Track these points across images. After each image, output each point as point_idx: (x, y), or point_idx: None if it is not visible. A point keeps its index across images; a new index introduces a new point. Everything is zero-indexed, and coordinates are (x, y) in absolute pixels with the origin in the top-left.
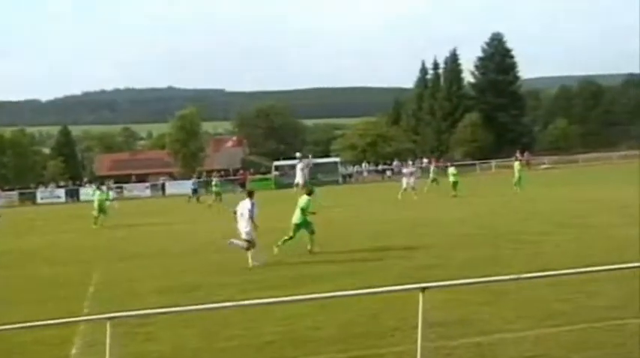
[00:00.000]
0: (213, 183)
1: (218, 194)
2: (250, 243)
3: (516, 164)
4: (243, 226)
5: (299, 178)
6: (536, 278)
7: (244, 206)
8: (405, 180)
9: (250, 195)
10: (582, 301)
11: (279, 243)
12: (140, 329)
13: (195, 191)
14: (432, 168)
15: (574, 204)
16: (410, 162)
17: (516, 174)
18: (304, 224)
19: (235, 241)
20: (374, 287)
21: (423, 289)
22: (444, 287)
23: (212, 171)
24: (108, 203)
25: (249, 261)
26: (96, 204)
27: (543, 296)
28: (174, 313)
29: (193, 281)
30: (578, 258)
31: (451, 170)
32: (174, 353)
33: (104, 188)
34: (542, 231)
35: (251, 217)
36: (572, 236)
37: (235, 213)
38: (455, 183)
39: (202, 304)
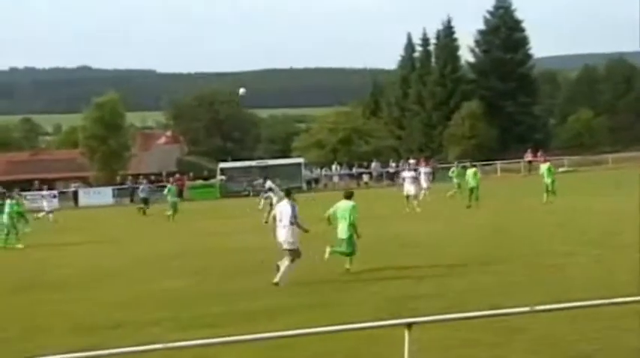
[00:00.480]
0: (166, 190)
1: (174, 206)
2: (295, 253)
3: (543, 166)
4: (284, 235)
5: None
6: (555, 311)
7: (283, 210)
8: (408, 187)
9: (288, 195)
10: (613, 340)
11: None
12: None
13: (145, 200)
14: (453, 168)
15: (602, 217)
16: (411, 161)
17: (546, 179)
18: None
19: (280, 265)
20: (346, 323)
21: (409, 325)
22: (437, 323)
23: (139, 175)
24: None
25: (278, 276)
26: (6, 219)
27: (565, 334)
28: None
29: (120, 316)
30: (608, 286)
31: (471, 172)
32: None
33: (15, 197)
34: (564, 252)
35: (294, 222)
36: (601, 257)
37: (274, 220)
38: (473, 190)
39: (123, 347)
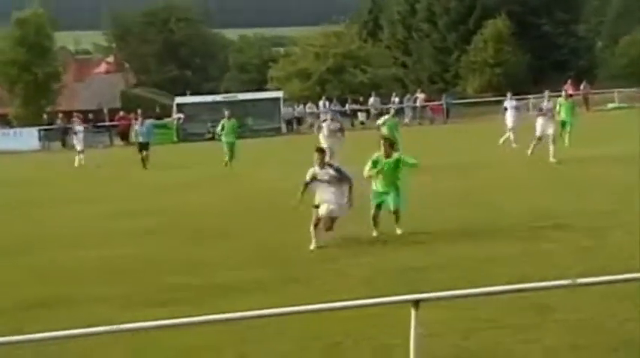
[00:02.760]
0: (136, 129)
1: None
2: (333, 220)
3: (561, 100)
4: (334, 198)
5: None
6: (600, 285)
7: (327, 173)
8: (510, 119)
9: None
10: None
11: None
12: None
13: (145, 145)
14: (560, 98)
15: None
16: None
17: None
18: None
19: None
20: (331, 301)
21: (417, 302)
22: (450, 299)
23: (72, 112)
24: None
25: (315, 241)
26: None
27: (611, 314)
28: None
29: (54, 291)
30: None
31: (561, 100)
32: None
33: None
34: (606, 211)
35: (341, 178)
36: None
37: (307, 184)
38: (565, 125)
39: (59, 330)
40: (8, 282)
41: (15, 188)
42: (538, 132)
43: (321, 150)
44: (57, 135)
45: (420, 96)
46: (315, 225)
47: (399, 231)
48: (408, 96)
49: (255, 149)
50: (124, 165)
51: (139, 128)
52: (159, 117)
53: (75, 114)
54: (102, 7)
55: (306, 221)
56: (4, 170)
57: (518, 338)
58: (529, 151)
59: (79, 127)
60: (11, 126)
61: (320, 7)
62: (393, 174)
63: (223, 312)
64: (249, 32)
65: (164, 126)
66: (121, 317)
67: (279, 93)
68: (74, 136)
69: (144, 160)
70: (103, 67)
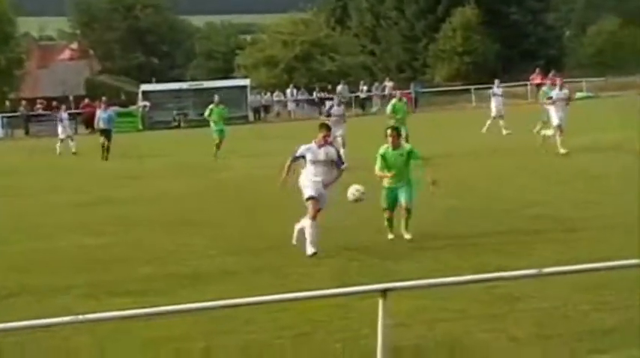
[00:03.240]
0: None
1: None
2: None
3: (544, 89)
4: (321, 185)
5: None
6: (566, 274)
7: (326, 152)
8: (495, 106)
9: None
10: (637, 311)
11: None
12: None
13: (107, 132)
14: (544, 88)
15: (627, 156)
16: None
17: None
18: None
19: (300, 228)
20: (300, 291)
21: (384, 291)
22: (416, 289)
23: (35, 99)
24: None
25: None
26: None
27: (578, 303)
28: None
29: (18, 281)
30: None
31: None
32: None
33: None
34: (583, 201)
35: (337, 163)
36: (629, 209)
37: (295, 160)
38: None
39: (24, 320)
40: None
41: None
42: (554, 121)
43: (327, 127)
44: (20, 122)
45: (389, 84)
46: (314, 217)
47: (407, 236)
48: (376, 84)
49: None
50: (90, 153)
51: (100, 113)
52: (124, 105)
53: (38, 101)
54: None
55: (277, 208)
56: None
57: (484, 327)
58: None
59: (64, 114)
60: None
61: None
62: (404, 168)
63: (192, 302)
64: (216, 19)
65: (129, 114)
66: (87, 307)
67: (247, 81)
68: (59, 123)
69: (104, 150)
70: (67, 54)
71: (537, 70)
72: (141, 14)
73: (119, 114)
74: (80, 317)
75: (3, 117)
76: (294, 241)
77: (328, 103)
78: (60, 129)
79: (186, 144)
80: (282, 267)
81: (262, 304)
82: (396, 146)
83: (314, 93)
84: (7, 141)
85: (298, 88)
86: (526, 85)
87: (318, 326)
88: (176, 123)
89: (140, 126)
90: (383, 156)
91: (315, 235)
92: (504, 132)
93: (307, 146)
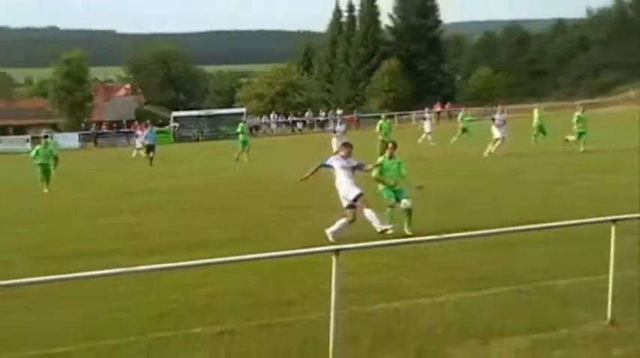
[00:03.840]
0: (146, 133)
1: (151, 148)
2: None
3: (535, 111)
4: (352, 190)
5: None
6: (462, 239)
7: (349, 161)
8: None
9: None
10: (511, 263)
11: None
12: (13, 301)
13: (151, 147)
14: (461, 113)
15: (511, 159)
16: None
17: (535, 122)
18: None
19: (334, 229)
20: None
21: (337, 251)
22: (360, 250)
23: (101, 122)
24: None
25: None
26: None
27: (469, 259)
28: (51, 282)
29: (77, 248)
30: (515, 217)
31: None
32: (58, 326)
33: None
34: (475, 189)
35: (355, 170)
36: (509, 192)
37: (321, 166)
38: (466, 131)
39: (81, 272)
40: (56, 239)
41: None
42: (496, 135)
43: (350, 145)
44: (91, 137)
45: (339, 111)
46: (352, 221)
47: (408, 232)
48: (331, 111)
49: (228, 147)
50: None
51: (147, 132)
52: (161, 126)
53: (104, 123)
54: (122, 50)
55: (267, 195)
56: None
57: (405, 275)
58: (490, 152)
59: (139, 132)
60: (59, 131)
61: (272, 51)
62: (398, 174)
63: (191, 260)
64: (223, 67)
65: (164, 132)
66: (130, 264)
67: (243, 109)
68: (135, 138)
69: (151, 159)
70: (122, 91)
71: (438, 102)
72: (172, 65)
73: (158, 132)
74: (126, 269)
75: (80, 134)
76: (331, 238)
77: (332, 124)
78: (137, 141)
79: (203, 152)
80: (264, 237)
81: (241, 262)
82: (391, 156)
83: (289, 117)
84: (82, 151)
85: (278, 114)
86: (430, 112)
87: (296, 274)
88: (195, 138)
89: (172, 140)
90: (381, 164)
91: (344, 228)
92: (432, 143)
93: (335, 157)
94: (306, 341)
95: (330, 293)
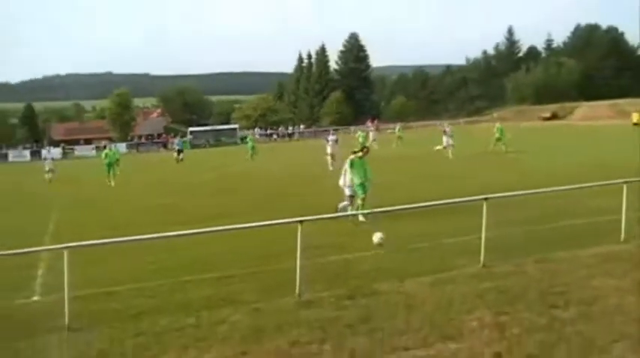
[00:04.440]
0: (175, 143)
1: (180, 152)
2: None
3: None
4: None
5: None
6: (390, 212)
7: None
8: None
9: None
10: (416, 229)
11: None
12: (91, 256)
13: (180, 151)
14: (397, 126)
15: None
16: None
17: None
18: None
19: (343, 205)
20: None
21: (301, 221)
22: (318, 220)
23: (141, 136)
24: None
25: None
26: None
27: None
28: (113, 243)
29: (127, 220)
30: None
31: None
32: (116, 274)
33: (112, 146)
34: (398, 181)
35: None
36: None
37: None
38: (400, 138)
39: (131, 236)
40: (113, 216)
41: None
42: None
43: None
44: (134, 146)
45: (302, 126)
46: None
47: (362, 219)
48: (296, 126)
49: (229, 152)
50: (169, 161)
51: (176, 142)
52: (182, 136)
53: (143, 136)
54: (154, 87)
55: (262, 186)
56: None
57: (355, 238)
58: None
59: (175, 140)
60: (114, 142)
61: (256, 85)
62: (364, 173)
63: (208, 228)
64: (222, 97)
65: (184, 142)
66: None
67: (236, 125)
68: (172, 146)
69: (178, 160)
70: (155, 114)
71: (369, 119)
72: (188, 96)
73: (183, 142)
74: (156, 235)
75: (127, 143)
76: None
77: (326, 134)
78: (175, 147)
79: (211, 156)
80: (266, 210)
81: (235, 231)
82: (361, 158)
83: (267, 131)
84: (129, 155)
85: (260, 128)
86: (362, 125)
87: (275, 236)
88: (204, 146)
89: (189, 147)
90: (353, 162)
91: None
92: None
93: (351, 158)
94: (281, 282)
95: (297, 249)
